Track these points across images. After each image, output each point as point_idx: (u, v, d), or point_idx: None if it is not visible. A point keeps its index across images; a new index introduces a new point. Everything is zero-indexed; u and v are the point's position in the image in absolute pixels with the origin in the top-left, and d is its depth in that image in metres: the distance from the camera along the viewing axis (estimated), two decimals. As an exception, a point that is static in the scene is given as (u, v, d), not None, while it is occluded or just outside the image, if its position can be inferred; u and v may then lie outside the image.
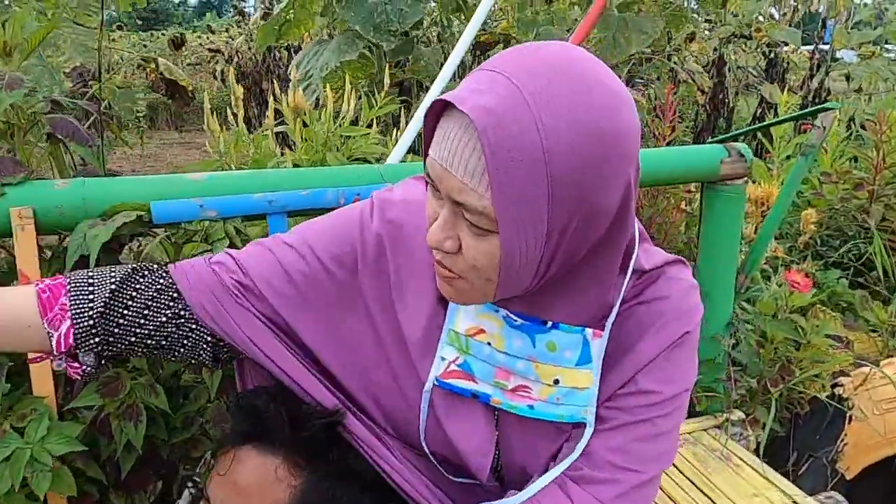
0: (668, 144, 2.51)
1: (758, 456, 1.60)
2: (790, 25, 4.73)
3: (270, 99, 1.83)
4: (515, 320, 0.72)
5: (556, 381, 0.72)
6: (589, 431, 0.73)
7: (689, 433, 1.63)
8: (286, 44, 4.77)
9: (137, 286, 0.77)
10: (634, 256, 0.72)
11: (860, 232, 2.92)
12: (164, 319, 0.76)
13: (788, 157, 3.04)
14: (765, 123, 1.71)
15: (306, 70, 2.20)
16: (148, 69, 1.85)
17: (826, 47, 4.80)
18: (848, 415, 1.68)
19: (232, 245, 1.17)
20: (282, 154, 1.96)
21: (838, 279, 2.53)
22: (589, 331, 0.71)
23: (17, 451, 1.02)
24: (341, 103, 1.87)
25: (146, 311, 0.76)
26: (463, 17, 2.57)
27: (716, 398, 1.69)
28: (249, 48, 5.08)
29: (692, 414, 1.70)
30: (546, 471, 0.73)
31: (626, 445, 0.72)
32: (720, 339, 1.68)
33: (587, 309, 0.70)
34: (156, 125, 9.09)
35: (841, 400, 1.72)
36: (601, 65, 0.60)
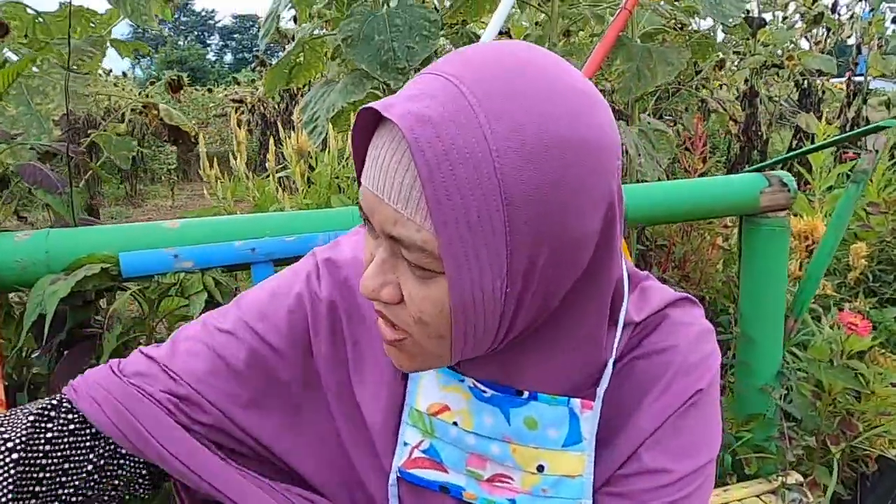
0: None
1: (821, 526, 1.39)
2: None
3: (271, 142, 1.74)
4: (484, 391, 0.57)
5: (541, 468, 0.57)
6: None
7: (738, 501, 1.43)
8: (308, 88, 4.78)
9: (49, 436, 0.58)
10: (625, 304, 0.57)
11: (916, 266, 2.71)
12: (90, 468, 0.59)
13: (830, 188, 2.87)
14: (810, 148, 1.56)
15: (313, 112, 2.13)
16: (149, 115, 1.80)
17: (860, 78, 4.61)
18: (924, 476, 1.47)
19: (210, 299, 1.05)
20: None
21: (874, 328, 2.31)
22: (576, 401, 0.56)
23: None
24: (329, 149, 1.78)
25: (66, 466, 0.58)
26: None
27: (768, 459, 1.49)
28: (273, 98, 5.10)
29: (742, 478, 1.51)
30: None
31: None
32: (770, 391, 1.49)
33: (572, 372, 0.56)
34: (188, 177, 9.25)
35: (914, 459, 1.51)
36: (566, 64, 0.48)
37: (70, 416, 0.59)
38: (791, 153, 1.56)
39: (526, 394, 0.57)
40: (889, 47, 4.40)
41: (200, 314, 1.03)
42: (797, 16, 4.73)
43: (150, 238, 1.06)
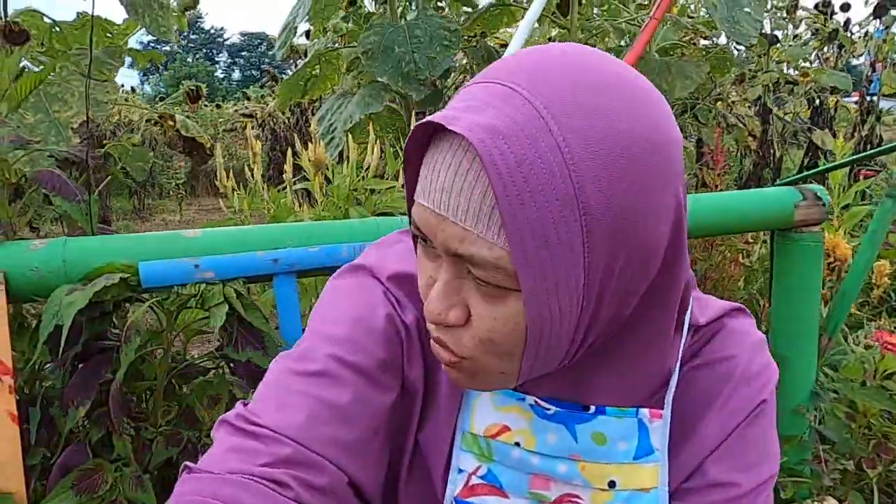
0: (719, 193, 2.32)
1: (860, 555, 1.33)
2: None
3: (288, 153, 1.71)
4: (548, 408, 0.55)
5: (612, 484, 0.55)
6: None
7: (774, 526, 1.37)
8: (319, 103, 4.78)
9: None
10: (690, 307, 0.56)
11: (939, 284, 2.66)
12: None
13: (847, 206, 2.83)
14: (853, 158, 1.52)
15: (329, 124, 2.11)
16: (165, 126, 1.80)
17: (872, 97, 4.59)
18: (966, 502, 1.41)
19: (231, 311, 1.01)
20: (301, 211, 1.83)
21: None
22: (645, 411, 0.55)
23: (-34, 564, 0.86)
24: (365, 157, 1.75)
25: None
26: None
27: (803, 484, 1.43)
28: (283, 112, 5.10)
29: (776, 503, 1.45)
30: None
31: None
32: (804, 412, 1.44)
33: (640, 383, 0.54)
34: (195, 192, 9.25)
35: (954, 484, 1.45)
36: (619, 61, 0.46)
37: None
38: (822, 167, 1.53)
39: (592, 408, 0.54)
40: (902, 65, 4.38)
41: (221, 327, 0.99)
42: (808, 33, 4.72)
43: (170, 247, 1.02)
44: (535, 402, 0.55)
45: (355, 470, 0.53)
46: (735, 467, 0.55)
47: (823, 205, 1.36)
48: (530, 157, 0.40)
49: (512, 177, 0.40)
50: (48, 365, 1.06)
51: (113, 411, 0.98)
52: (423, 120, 0.44)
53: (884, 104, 5.10)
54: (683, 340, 0.56)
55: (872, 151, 1.56)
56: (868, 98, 4.58)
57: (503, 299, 0.44)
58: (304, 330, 0.60)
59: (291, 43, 4.48)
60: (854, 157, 1.58)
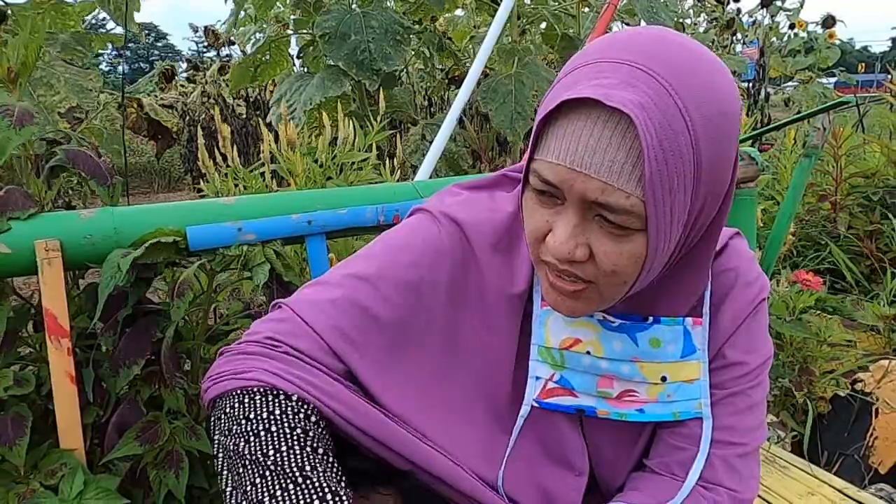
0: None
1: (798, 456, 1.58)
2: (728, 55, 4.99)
3: (265, 133, 1.78)
4: (613, 321, 0.68)
5: (664, 378, 0.69)
6: (708, 426, 0.69)
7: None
8: (245, 96, 4.73)
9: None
10: None
11: (831, 240, 3.05)
12: None
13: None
14: (776, 125, 1.76)
15: (289, 105, 2.16)
16: (129, 110, 1.78)
17: (760, 81, 5.07)
18: (874, 408, 1.69)
19: (271, 270, 1.10)
20: (276, 190, 1.90)
21: (823, 283, 2.61)
22: (689, 320, 0.69)
23: (55, 509, 0.91)
24: (323, 137, 1.83)
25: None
26: (443, 56, 2.59)
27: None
28: (203, 102, 5.00)
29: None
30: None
31: (728, 421, 0.70)
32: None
33: (689, 298, 0.68)
34: (95, 192, 8.75)
35: (864, 395, 1.73)
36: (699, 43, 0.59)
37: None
38: (759, 131, 1.76)
39: (650, 319, 0.68)
40: (787, 50, 4.87)
41: (263, 285, 1.08)
42: (705, 22, 5.14)
43: (209, 214, 1.10)
44: (603, 317, 0.67)
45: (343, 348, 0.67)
46: (744, 350, 0.70)
47: (756, 164, 1.59)
48: (665, 126, 0.51)
49: (655, 143, 0.51)
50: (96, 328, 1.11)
51: (166, 367, 1.05)
52: (577, 95, 0.52)
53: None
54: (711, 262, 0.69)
55: (800, 115, 1.82)
56: (758, 82, 5.07)
57: (628, 238, 0.55)
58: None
59: (214, 31, 4.40)
60: (763, 129, 1.83)
